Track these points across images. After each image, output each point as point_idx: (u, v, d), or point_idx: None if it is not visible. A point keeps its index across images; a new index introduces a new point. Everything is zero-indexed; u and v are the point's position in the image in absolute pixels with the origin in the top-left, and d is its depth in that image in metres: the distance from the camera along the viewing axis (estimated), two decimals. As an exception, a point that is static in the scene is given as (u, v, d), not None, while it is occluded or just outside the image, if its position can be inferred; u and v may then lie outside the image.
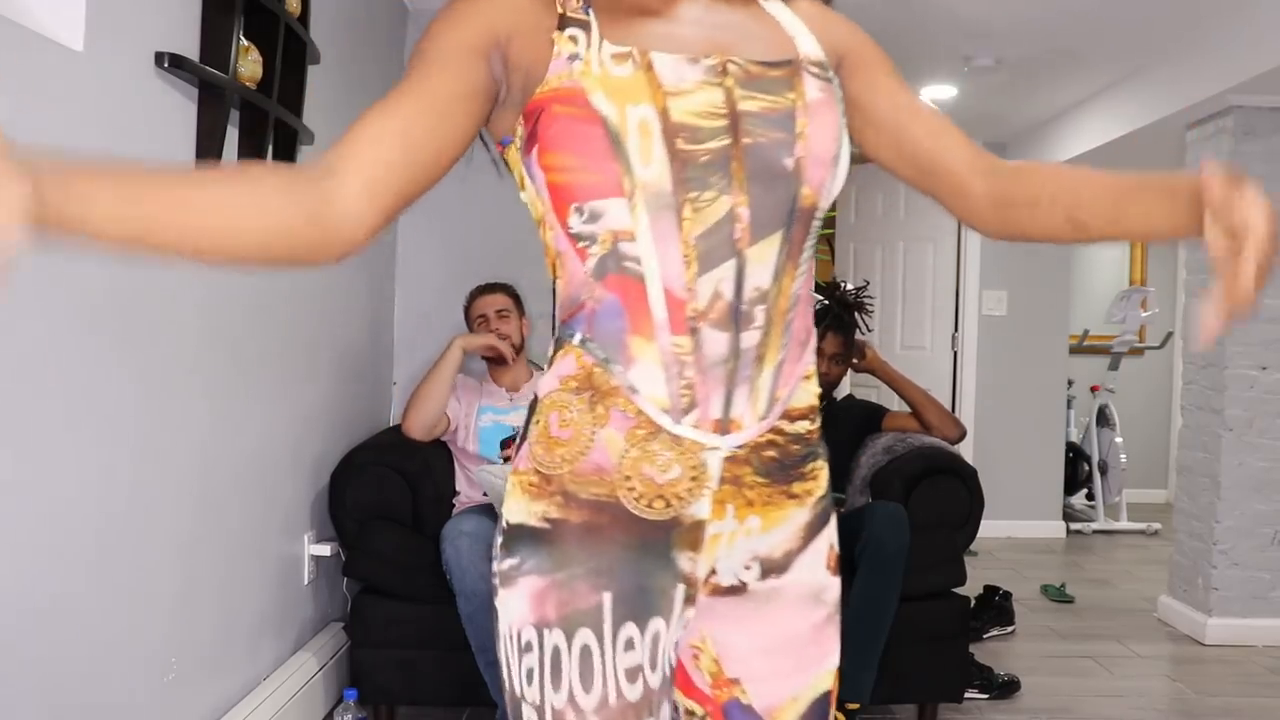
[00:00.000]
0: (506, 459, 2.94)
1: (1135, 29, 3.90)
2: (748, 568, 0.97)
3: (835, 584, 1.03)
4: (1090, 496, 6.45)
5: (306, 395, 2.78)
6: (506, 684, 0.96)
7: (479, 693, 2.57)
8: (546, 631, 0.92)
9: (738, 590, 0.98)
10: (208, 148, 2.00)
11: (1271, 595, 4.01)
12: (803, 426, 0.98)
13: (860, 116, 1.02)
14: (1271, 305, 3.99)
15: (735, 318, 0.90)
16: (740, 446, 0.93)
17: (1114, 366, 6.37)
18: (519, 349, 3.09)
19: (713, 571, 0.96)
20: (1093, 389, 6.62)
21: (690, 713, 1.03)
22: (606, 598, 0.92)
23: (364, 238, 0.84)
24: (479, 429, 2.99)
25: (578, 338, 0.93)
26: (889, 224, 5.98)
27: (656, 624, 0.93)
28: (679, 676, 1.02)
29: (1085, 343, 6.88)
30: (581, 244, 0.91)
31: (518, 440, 0.98)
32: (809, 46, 0.98)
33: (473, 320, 3.12)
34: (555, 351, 0.95)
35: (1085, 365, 6.90)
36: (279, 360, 2.55)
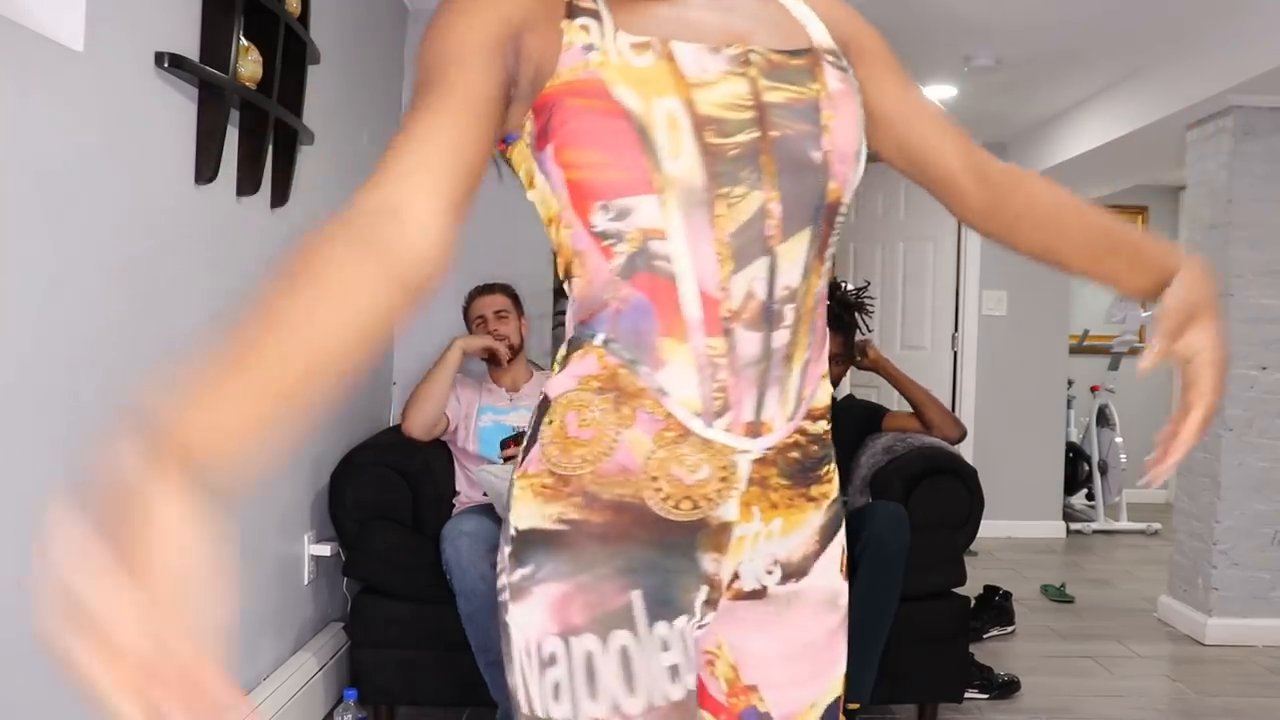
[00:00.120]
0: (507, 459, 2.94)
1: (1135, 29, 3.90)
2: (769, 571, 0.95)
3: (846, 589, 1.01)
4: (1090, 496, 6.45)
5: (306, 395, 2.78)
6: (525, 708, 0.88)
7: (479, 693, 2.57)
8: (574, 639, 0.86)
9: (758, 594, 0.95)
10: (208, 148, 2.01)
11: (1271, 595, 4.01)
12: (822, 426, 0.96)
13: (863, 108, 0.98)
14: (1271, 305, 3.99)
15: (767, 317, 0.88)
16: (770, 448, 0.90)
17: (1114, 366, 6.37)
18: (518, 349, 3.09)
19: (735, 575, 0.94)
20: (1093, 389, 6.63)
21: None
22: (637, 596, 0.87)
23: (446, 259, 0.79)
24: (479, 429, 2.99)
25: (600, 338, 0.88)
26: (889, 224, 5.98)
27: (684, 623, 0.90)
28: None
29: (1085, 343, 6.88)
30: (607, 242, 0.87)
31: (525, 442, 0.93)
32: (820, 35, 0.95)
33: (471, 321, 3.12)
34: (570, 351, 0.91)
35: (1085, 365, 6.90)
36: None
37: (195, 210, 2.04)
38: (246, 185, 2.22)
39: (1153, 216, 7.54)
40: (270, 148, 2.28)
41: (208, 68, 1.96)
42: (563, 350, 0.92)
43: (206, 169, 2.01)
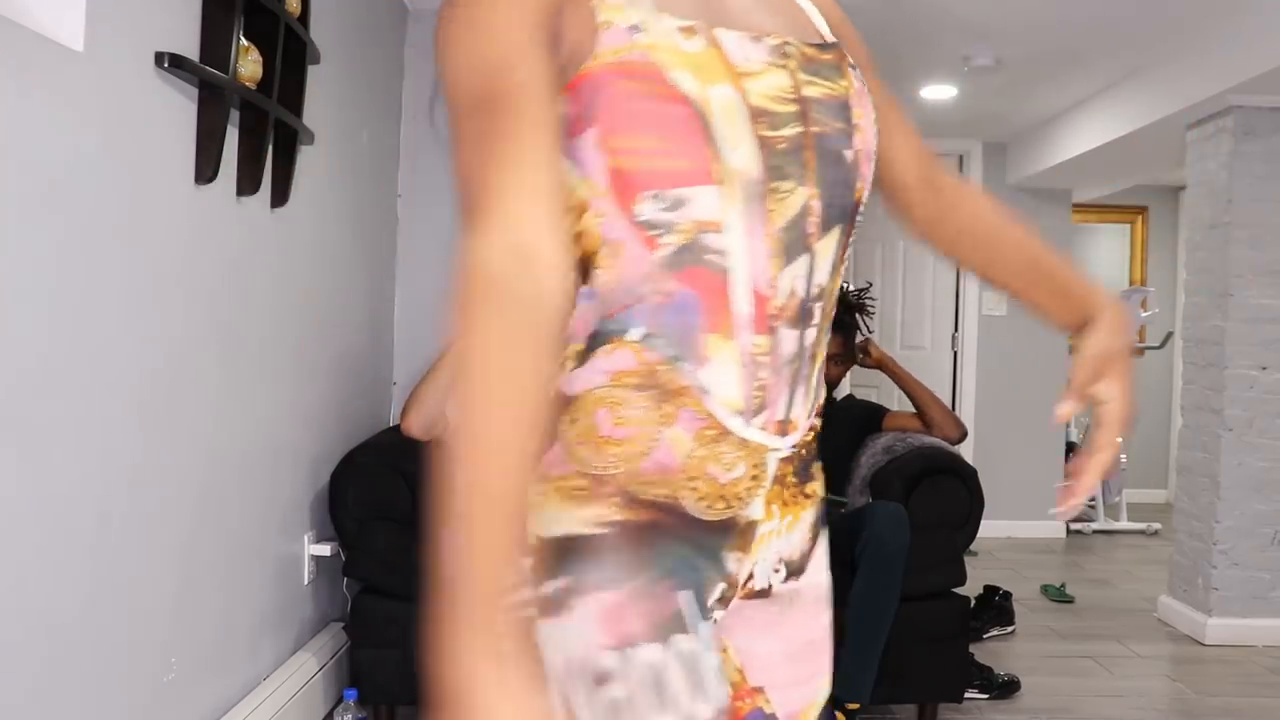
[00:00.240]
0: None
1: (1135, 29, 3.90)
2: (776, 570, 0.94)
3: (831, 584, 1.02)
4: (1090, 496, 6.45)
5: (306, 395, 2.78)
6: None
7: (479, 693, 2.57)
8: (632, 650, 0.81)
9: (765, 593, 0.94)
10: (208, 148, 2.01)
11: (1271, 595, 4.01)
12: (818, 423, 0.97)
13: None
14: (1271, 305, 3.99)
15: (803, 315, 0.87)
16: (794, 446, 0.90)
17: (1114, 366, 6.36)
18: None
19: (750, 574, 0.92)
20: (1093, 389, 6.62)
21: None
22: (686, 597, 0.85)
23: (575, 298, 0.80)
24: (479, 429, 2.99)
25: (636, 332, 0.83)
26: (889, 224, 5.95)
27: (713, 623, 0.89)
28: None
29: (1085, 343, 6.88)
30: (653, 232, 0.81)
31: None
32: (826, 31, 0.94)
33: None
34: (594, 346, 0.84)
35: (1085, 365, 6.90)
36: (279, 360, 2.55)
37: (195, 210, 2.04)
38: (246, 185, 2.22)
39: (1153, 216, 7.53)
40: (270, 148, 2.28)
41: (208, 68, 1.96)
42: (577, 345, 0.85)
43: (206, 169, 2.01)
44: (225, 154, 2.06)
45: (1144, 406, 6.54)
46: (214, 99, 2.00)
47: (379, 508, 2.77)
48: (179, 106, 1.94)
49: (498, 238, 0.69)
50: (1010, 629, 4.02)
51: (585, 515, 0.83)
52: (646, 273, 0.82)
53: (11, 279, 1.47)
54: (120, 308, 1.78)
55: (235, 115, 2.14)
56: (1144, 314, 6.36)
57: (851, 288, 3.33)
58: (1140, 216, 7.52)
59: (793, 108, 0.84)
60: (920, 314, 5.96)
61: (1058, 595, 4.60)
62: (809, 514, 0.97)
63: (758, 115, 0.81)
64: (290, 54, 2.31)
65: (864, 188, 0.91)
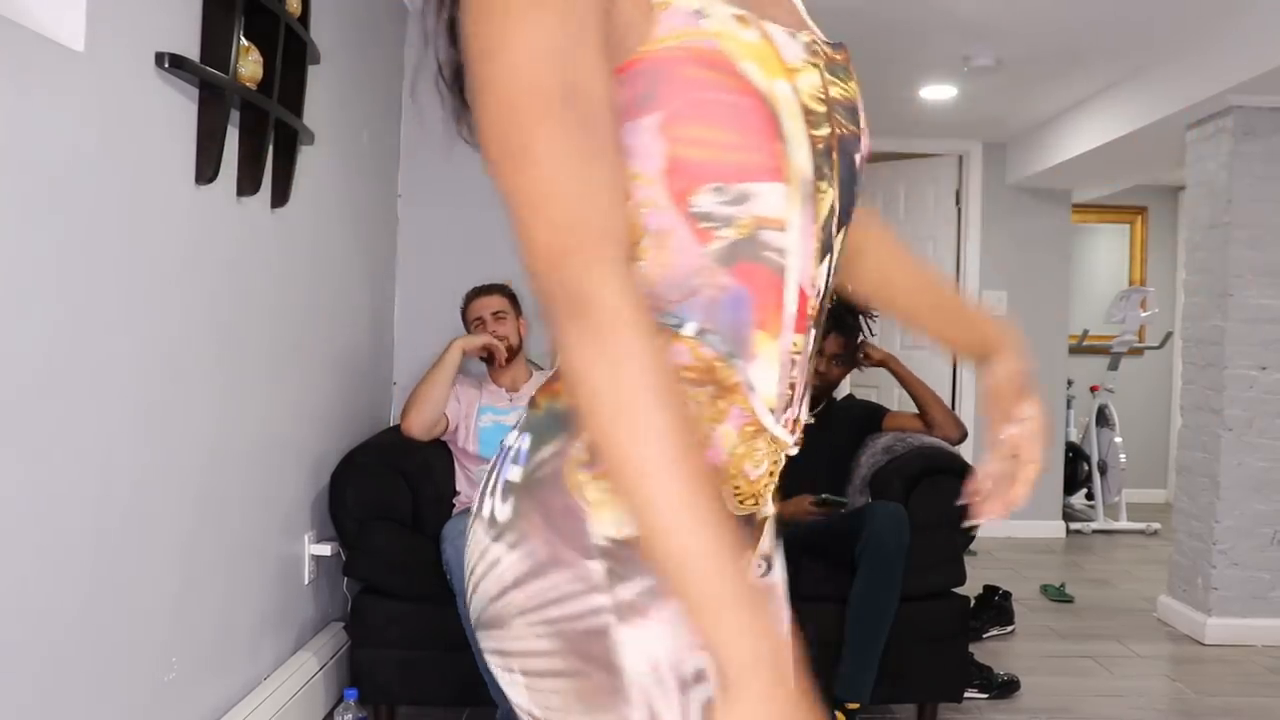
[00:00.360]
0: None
1: (1135, 29, 3.90)
2: (758, 565, 0.95)
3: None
4: (1090, 496, 6.45)
5: (307, 395, 2.78)
6: None
7: (479, 693, 2.57)
8: None
9: None
10: (208, 148, 2.01)
11: (1271, 595, 4.01)
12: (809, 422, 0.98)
13: None
14: (1271, 305, 3.99)
15: (819, 315, 0.88)
16: (795, 443, 0.91)
17: (1114, 366, 6.37)
18: (517, 349, 3.09)
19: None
20: (1092, 389, 6.63)
21: None
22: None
23: None
24: (479, 429, 3.00)
25: (692, 327, 0.80)
26: (888, 224, 5.97)
27: None
28: None
29: (1085, 343, 6.88)
30: (707, 225, 0.78)
31: (567, 439, 0.82)
32: (815, 28, 0.94)
33: (469, 322, 3.12)
34: None
35: (1085, 365, 6.91)
36: (279, 360, 2.55)
37: (195, 210, 2.04)
38: (246, 185, 2.22)
39: (1153, 216, 7.53)
40: (270, 148, 2.28)
41: (208, 68, 1.96)
42: None
43: (207, 169, 2.01)
44: (225, 154, 2.07)
45: (1144, 406, 6.54)
46: (214, 99, 2.00)
47: (379, 508, 2.77)
48: (179, 107, 1.94)
49: (620, 267, 0.69)
50: (1010, 629, 4.02)
51: None
52: (696, 265, 0.79)
53: (12, 279, 1.47)
54: (121, 308, 1.78)
55: (235, 115, 2.14)
56: (1144, 314, 6.36)
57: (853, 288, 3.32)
58: (1140, 216, 7.52)
59: (824, 108, 0.82)
60: (920, 314, 5.95)
61: (1057, 595, 4.60)
62: (771, 509, 0.98)
63: (806, 113, 0.80)
64: (290, 54, 2.32)
65: (860, 192, 0.91)
